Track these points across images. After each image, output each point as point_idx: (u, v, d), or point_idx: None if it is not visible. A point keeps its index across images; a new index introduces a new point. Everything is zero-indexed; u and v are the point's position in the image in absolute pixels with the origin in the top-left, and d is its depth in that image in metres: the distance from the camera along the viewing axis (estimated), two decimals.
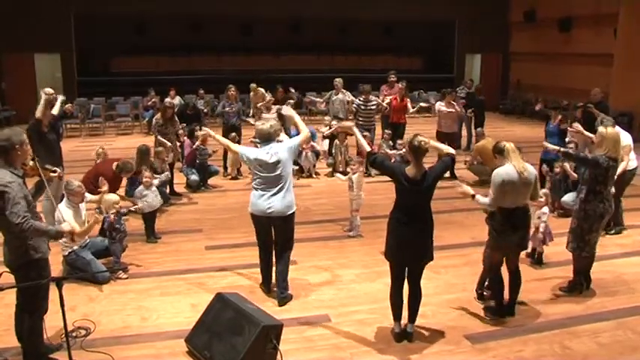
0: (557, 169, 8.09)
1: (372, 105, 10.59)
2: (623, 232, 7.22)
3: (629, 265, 6.23)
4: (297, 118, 5.65)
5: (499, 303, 4.99)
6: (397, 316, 4.59)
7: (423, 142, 4.27)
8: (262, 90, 11.40)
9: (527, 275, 5.82)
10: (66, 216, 5.22)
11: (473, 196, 4.83)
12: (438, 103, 10.64)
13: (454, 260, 6.28)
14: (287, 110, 5.62)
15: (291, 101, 11.56)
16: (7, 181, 3.64)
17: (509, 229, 4.72)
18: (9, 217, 3.61)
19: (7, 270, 3.83)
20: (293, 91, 13.04)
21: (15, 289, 3.93)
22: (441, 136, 10.21)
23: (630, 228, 7.33)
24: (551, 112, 8.97)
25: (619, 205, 7.18)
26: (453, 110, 10.40)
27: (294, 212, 5.25)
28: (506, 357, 4.36)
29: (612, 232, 7.16)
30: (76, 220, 5.53)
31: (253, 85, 11.82)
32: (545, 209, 6.23)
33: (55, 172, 4.50)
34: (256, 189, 5.17)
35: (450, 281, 5.76)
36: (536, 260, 6.23)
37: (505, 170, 4.64)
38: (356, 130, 5.27)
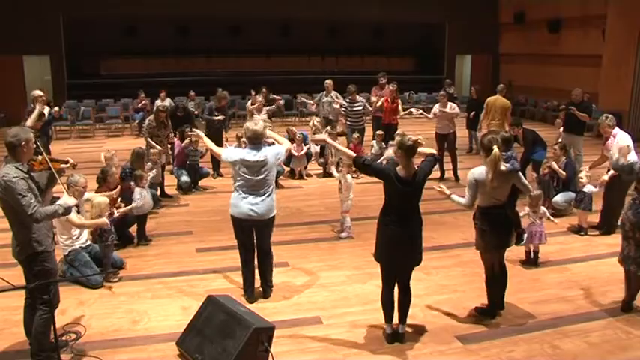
0: (544, 171, 8.14)
1: (359, 106, 10.60)
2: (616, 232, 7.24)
3: (618, 264, 6.25)
4: (275, 136, 5.73)
5: (491, 303, 5.01)
6: (389, 318, 4.59)
7: (410, 141, 4.26)
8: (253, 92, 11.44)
9: (518, 276, 5.86)
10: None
11: (449, 196, 4.86)
12: (436, 106, 10.53)
13: (445, 261, 6.30)
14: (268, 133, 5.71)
15: (281, 102, 11.57)
16: (13, 176, 3.82)
17: (488, 227, 4.76)
18: (19, 210, 3.78)
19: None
20: (276, 97, 13.06)
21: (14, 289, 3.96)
22: (439, 138, 10.18)
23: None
24: (513, 128, 8.68)
25: (620, 206, 7.18)
26: (449, 111, 10.18)
27: (274, 216, 5.27)
28: (498, 357, 4.38)
29: (612, 232, 7.17)
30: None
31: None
32: (545, 210, 6.28)
33: (66, 162, 4.56)
34: (238, 191, 5.12)
35: (441, 282, 5.77)
36: (532, 260, 6.24)
37: (478, 171, 4.71)
38: (329, 140, 5.29)
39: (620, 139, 6.95)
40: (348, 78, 13.78)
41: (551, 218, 6.31)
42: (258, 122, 5.34)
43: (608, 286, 5.68)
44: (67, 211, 4.16)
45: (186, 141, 9.18)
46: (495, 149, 4.55)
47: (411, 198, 4.36)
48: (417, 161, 4.46)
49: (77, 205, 4.35)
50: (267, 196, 5.11)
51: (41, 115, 8.02)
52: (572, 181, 7.79)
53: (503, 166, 4.64)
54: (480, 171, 4.71)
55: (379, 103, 10.69)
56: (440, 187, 4.93)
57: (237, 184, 5.14)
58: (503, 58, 20.84)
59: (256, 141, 5.11)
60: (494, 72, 21.05)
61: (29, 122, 7.61)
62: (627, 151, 6.87)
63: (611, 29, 14.70)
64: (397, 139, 4.39)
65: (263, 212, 5.08)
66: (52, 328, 3.84)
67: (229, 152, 5.27)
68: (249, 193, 5.06)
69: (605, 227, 7.23)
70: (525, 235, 6.17)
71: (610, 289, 5.58)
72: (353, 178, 7.83)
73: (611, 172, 6.95)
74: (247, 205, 5.05)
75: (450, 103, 10.24)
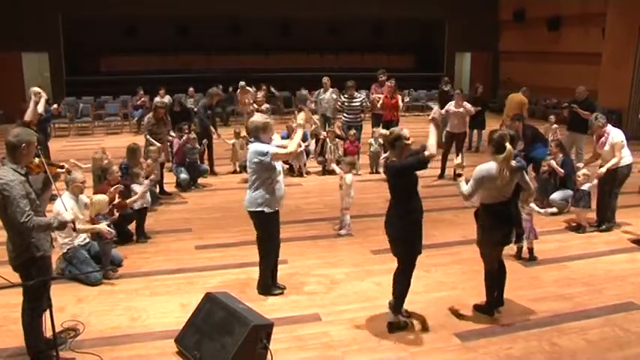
0: (544, 168, 8.14)
1: (357, 102, 10.62)
2: (613, 230, 7.26)
3: (616, 262, 6.28)
4: (298, 135, 5.23)
5: (489, 300, 5.02)
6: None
7: (391, 136, 4.59)
8: (251, 89, 11.47)
9: (517, 273, 5.87)
10: (68, 206, 5.07)
11: (459, 176, 4.96)
12: (450, 104, 10.35)
13: (444, 258, 6.30)
14: (300, 119, 5.41)
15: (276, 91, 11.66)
16: (9, 179, 3.71)
17: (491, 223, 4.77)
18: (12, 216, 3.68)
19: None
20: (273, 90, 13.09)
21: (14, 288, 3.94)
22: (449, 136, 10.11)
23: (620, 224, 7.38)
24: (514, 122, 8.83)
25: (613, 201, 7.23)
26: (462, 110, 10.08)
27: (258, 212, 5.12)
28: (496, 354, 4.38)
29: (603, 228, 7.20)
30: (75, 210, 5.57)
31: (242, 84, 11.85)
32: (533, 205, 6.26)
33: (62, 167, 4.50)
34: None
35: (440, 279, 5.78)
36: (531, 257, 6.24)
37: (487, 167, 4.68)
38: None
39: (613, 135, 7.04)
40: (348, 75, 13.75)
41: (540, 211, 6.26)
42: (256, 118, 5.32)
43: (606, 283, 5.69)
44: (62, 225, 4.03)
45: (184, 138, 9.18)
46: (509, 146, 4.60)
47: (389, 184, 4.65)
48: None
49: (73, 222, 4.15)
50: (251, 189, 5.17)
51: (36, 108, 7.95)
52: (571, 179, 7.80)
53: (512, 162, 4.66)
54: (488, 167, 4.67)
55: (379, 103, 10.66)
56: (457, 163, 5.15)
57: None
58: (503, 55, 20.82)
59: (253, 136, 5.20)
60: (494, 70, 21.04)
61: (27, 117, 7.55)
62: (621, 146, 6.97)
63: (611, 27, 14.69)
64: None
65: (246, 203, 5.22)
66: (51, 325, 3.82)
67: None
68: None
69: (601, 222, 7.25)
70: (525, 235, 6.15)
71: (608, 287, 5.59)
72: (353, 174, 7.85)
73: (608, 165, 6.97)
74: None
75: (465, 103, 10.16)
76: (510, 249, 6.20)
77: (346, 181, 7.08)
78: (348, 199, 7.10)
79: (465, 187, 4.80)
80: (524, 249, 6.25)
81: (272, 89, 13.31)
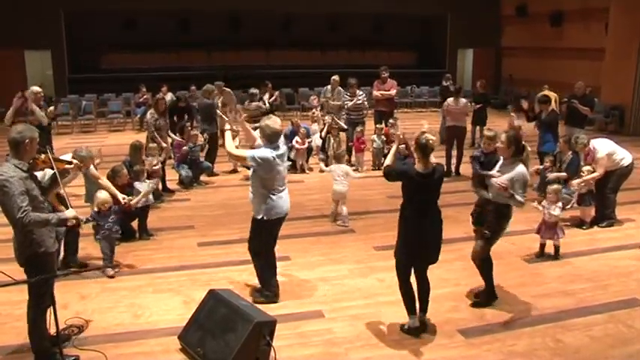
0: (546, 164, 8.10)
1: (359, 100, 10.65)
2: (615, 226, 7.24)
3: (620, 258, 6.27)
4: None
5: (490, 288, 5.10)
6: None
7: (430, 141, 4.36)
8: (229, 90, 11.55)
9: (520, 269, 5.87)
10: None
11: (512, 195, 4.67)
12: (449, 99, 10.38)
13: (447, 255, 6.19)
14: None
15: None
16: (9, 175, 3.72)
17: (502, 225, 4.92)
18: (9, 212, 3.69)
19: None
20: (269, 85, 13.01)
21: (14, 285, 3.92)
22: (451, 131, 10.16)
23: (622, 221, 7.36)
24: (541, 105, 9.03)
25: (613, 199, 7.21)
26: (463, 105, 10.15)
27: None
28: (500, 351, 4.38)
29: (604, 224, 7.19)
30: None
31: (219, 83, 11.64)
32: (543, 203, 6.27)
33: (70, 163, 4.47)
34: (277, 191, 4.98)
35: (443, 276, 5.75)
36: (552, 254, 6.27)
37: (524, 170, 4.76)
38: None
39: (598, 150, 7.06)
40: (349, 72, 13.71)
41: (548, 211, 6.29)
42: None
43: (610, 279, 5.68)
44: (61, 222, 4.00)
45: (185, 148, 9.15)
46: (526, 145, 4.78)
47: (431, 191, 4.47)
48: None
49: (77, 218, 4.11)
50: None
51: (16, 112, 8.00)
52: (575, 178, 7.77)
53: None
54: (524, 170, 4.76)
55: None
56: (503, 183, 4.68)
57: (277, 183, 4.94)
58: (505, 51, 20.76)
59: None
60: (497, 66, 20.98)
61: (7, 116, 7.57)
62: (605, 161, 6.97)
63: (614, 23, 14.63)
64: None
65: None
66: (55, 322, 3.82)
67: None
68: (284, 188, 5.05)
69: (601, 219, 7.24)
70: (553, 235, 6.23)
71: (611, 283, 5.58)
72: (354, 171, 7.86)
73: (587, 177, 7.02)
74: (287, 200, 5.07)
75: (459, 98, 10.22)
76: (520, 247, 6.24)
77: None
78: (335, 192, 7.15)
79: (520, 198, 4.68)
80: (549, 245, 6.27)
81: (274, 98, 13.11)
